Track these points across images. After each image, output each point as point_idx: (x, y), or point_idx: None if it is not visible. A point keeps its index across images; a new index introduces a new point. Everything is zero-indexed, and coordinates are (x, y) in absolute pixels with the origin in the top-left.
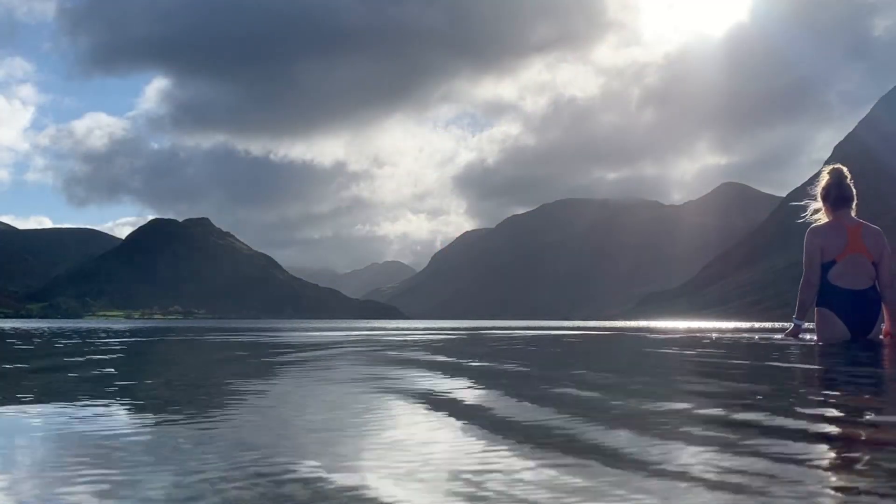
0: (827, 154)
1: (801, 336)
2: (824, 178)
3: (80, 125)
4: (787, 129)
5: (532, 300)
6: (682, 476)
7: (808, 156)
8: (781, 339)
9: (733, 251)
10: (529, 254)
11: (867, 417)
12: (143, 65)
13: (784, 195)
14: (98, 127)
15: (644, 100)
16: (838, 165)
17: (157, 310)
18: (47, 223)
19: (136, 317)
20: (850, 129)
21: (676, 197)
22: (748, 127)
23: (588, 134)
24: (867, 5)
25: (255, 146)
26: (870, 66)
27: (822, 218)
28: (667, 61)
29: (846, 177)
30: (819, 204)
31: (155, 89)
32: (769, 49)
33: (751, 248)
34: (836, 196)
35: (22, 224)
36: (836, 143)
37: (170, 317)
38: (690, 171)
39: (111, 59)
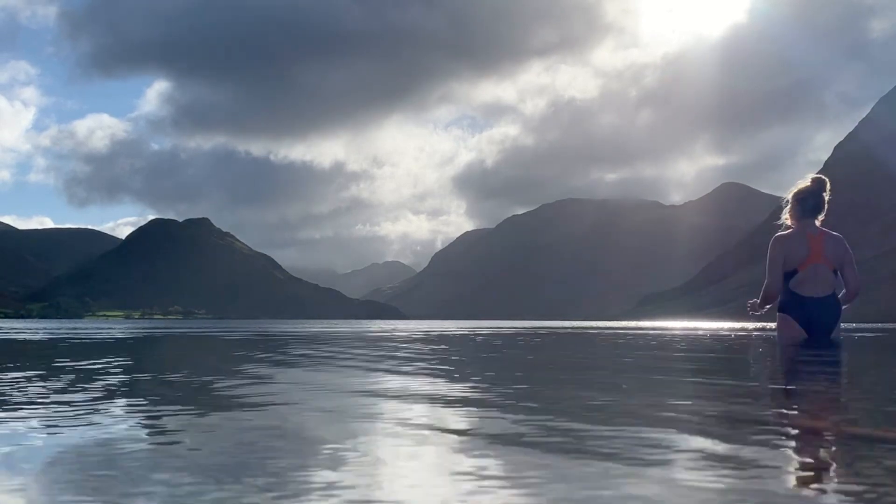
0: (826, 154)
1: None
2: (805, 183)
3: (82, 126)
4: (786, 130)
5: (532, 300)
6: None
7: (805, 156)
8: (748, 308)
9: (733, 251)
10: (529, 254)
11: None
12: (144, 67)
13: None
14: (99, 128)
15: (643, 101)
16: (822, 176)
17: (157, 310)
18: (49, 223)
19: (136, 317)
20: (848, 130)
21: (676, 197)
22: (747, 127)
23: (587, 135)
24: (864, 7)
25: (256, 147)
26: (867, 68)
27: (789, 218)
28: (665, 62)
29: (825, 189)
30: (789, 206)
31: (156, 91)
32: (767, 50)
33: (751, 248)
34: (813, 204)
35: (24, 224)
36: (836, 143)
37: (170, 317)
38: (690, 172)
39: (112, 62)
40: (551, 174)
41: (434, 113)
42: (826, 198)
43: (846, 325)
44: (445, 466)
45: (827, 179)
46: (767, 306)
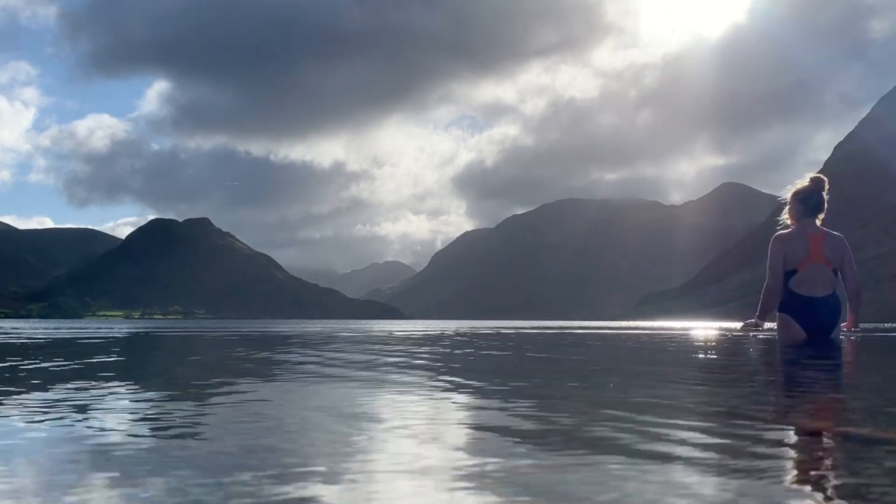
0: (826, 154)
1: (757, 328)
2: (804, 183)
3: (82, 126)
4: (785, 130)
5: (532, 300)
6: None
7: (805, 156)
8: (740, 330)
9: (733, 251)
10: (529, 254)
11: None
12: (144, 68)
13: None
14: (99, 128)
15: (643, 101)
16: (820, 175)
17: (156, 310)
18: (49, 223)
19: (136, 317)
20: (848, 130)
21: (676, 197)
22: (747, 127)
23: (587, 135)
24: (864, 7)
25: (256, 147)
26: (867, 68)
27: (788, 218)
28: (665, 62)
29: (824, 188)
30: (788, 205)
31: (156, 92)
32: (767, 50)
33: (751, 248)
34: (809, 204)
35: (24, 224)
36: (836, 143)
37: (170, 317)
38: (690, 172)
39: (112, 62)
40: (551, 174)
41: (434, 113)
42: (825, 197)
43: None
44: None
45: (825, 178)
46: (768, 316)
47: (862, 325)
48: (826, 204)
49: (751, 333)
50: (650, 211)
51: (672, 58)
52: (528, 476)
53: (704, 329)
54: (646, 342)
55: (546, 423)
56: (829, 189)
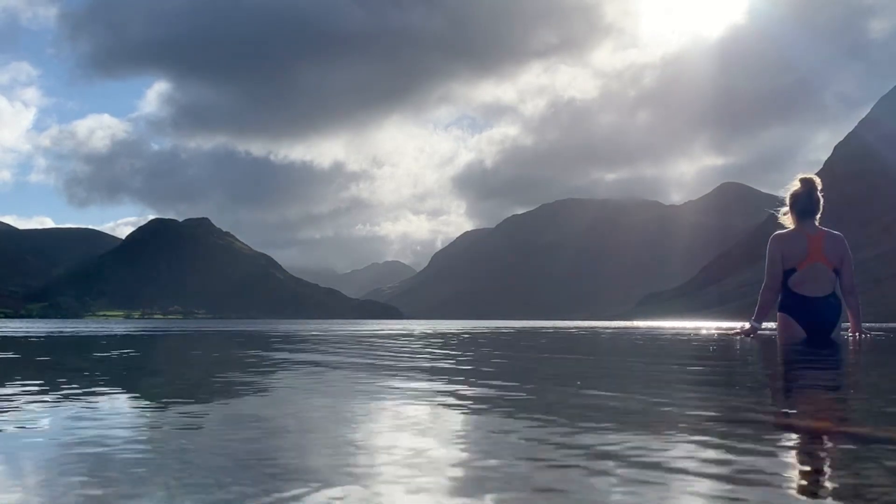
0: (826, 154)
1: (753, 335)
2: (795, 186)
3: (82, 126)
4: (785, 130)
5: (532, 300)
6: None
7: (805, 156)
8: (732, 335)
9: (733, 251)
10: (529, 254)
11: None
12: (144, 68)
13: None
14: (100, 128)
15: (642, 101)
16: (811, 176)
17: (156, 310)
18: (49, 223)
19: (136, 317)
20: (848, 130)
21: (676, 197)
22: (746, 127)
23: (587, 135)
24: (863, 7)
25: (256, 147)
26: (866, 68)
27: (788, 221)
28: (664, 63)
29: (816, 188)
30: (787, 208)
31: (156, 92)
32: (766, 50)
33: (751, 248)
34: (804, 207)
35: (24, 224)
36: (836, 143)
37: (170, 317)
38: (689, 172)
39: (112, 63)
40: (551, 174)
41: (434, 113)
42: (819, 196)
43: (846, 324)
44: None
45: (815, 178)
46: (768, 317)
47: (863, 326)
48: (821, 202)
49: (738, 337)
50: (650, 211)
51: (671, 58)
52: (529, 477)
53: (705, 328)
54: (650, 342)
55: (546, 422)
56: (823, 188)
